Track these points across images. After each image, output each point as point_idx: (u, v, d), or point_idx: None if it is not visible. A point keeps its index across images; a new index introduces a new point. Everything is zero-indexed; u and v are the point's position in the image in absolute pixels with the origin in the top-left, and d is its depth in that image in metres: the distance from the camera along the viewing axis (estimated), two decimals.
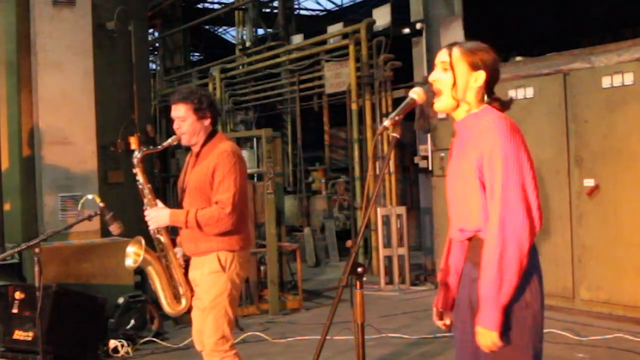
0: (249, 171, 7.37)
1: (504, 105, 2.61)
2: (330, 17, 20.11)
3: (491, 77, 2.58)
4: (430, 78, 2.62)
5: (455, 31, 8.25)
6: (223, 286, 3.68)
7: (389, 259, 8.50)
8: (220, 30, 23.86)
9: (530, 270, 2.45)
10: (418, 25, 8.95)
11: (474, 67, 2.55)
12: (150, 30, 16.95)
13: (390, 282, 8.46)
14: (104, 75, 7.01)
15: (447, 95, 2.58)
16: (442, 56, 2.60)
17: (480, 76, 2.56)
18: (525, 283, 2.45)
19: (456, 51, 2.58)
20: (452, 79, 2.56)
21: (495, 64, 2.59)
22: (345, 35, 10.27)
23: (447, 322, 2.81)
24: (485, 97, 2.59)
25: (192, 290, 3.79)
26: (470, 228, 2.56)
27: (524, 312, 2.45)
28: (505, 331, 2.42)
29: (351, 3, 21.45)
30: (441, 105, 2.60)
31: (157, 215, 3.74)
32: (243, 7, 15.50)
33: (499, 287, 2.38)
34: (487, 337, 2.41)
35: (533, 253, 2.48)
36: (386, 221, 8.55)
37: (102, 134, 6.89)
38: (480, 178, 2.48)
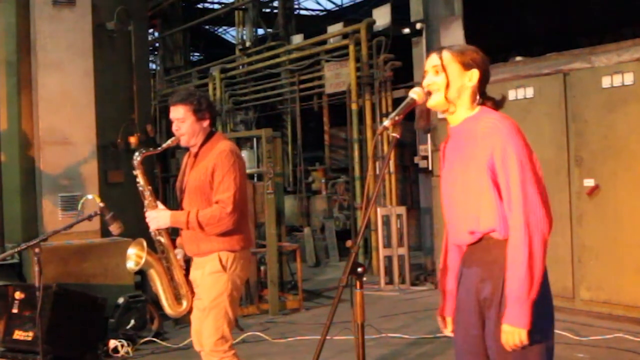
0: (248, 171, 7.38)
1: (498, 104, 2.62)
2: (330, 17, 20.12)
3: (484, 76, 2.60)
4: (424, 83, 2.62)
5: (455, 31, 8.24)
6: (223, 286, 3.68)
7: (389, 259, 8.50)
8: (220, 30, 23.87)
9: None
10: (418, 25, 8.95)
11: (467, 67, 2.57)
12: (150, 30, 16.94)
13: (390, 282, 8.46)
14: (104, 75, 7.01)
15: (441, 95, 2.58)
16: (432, 60, 2.61)
17: (475, 74, 2.57)
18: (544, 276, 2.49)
19: (446, 54, 2.59)
20: (445, 80, 2.57)
21: (485, 64, 2.61)
22: (345, 35, 10.27)
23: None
24: (478, 97, 2.60)
25: (192, 291, 3.80)
26: (482, 229, 2.54)
27: (543, 302, 2.47)
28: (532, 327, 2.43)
29: (351, 3, 21.45)
30: (433, 102, 2.61)
31: (157, 216, 3.74)
32: (243, 7, 15.49)
33: (529, 284, 2.39)
34: (515, 335, 2.41)
35: None
36: (386, 221, 8.55)
37: (102, 134, 6.89)
38: (493, 178, 2.48)
